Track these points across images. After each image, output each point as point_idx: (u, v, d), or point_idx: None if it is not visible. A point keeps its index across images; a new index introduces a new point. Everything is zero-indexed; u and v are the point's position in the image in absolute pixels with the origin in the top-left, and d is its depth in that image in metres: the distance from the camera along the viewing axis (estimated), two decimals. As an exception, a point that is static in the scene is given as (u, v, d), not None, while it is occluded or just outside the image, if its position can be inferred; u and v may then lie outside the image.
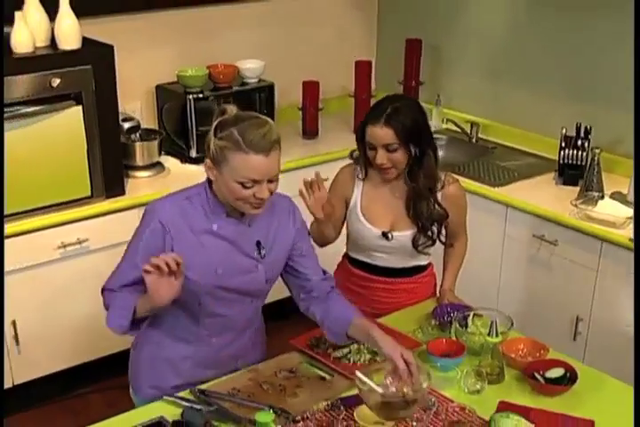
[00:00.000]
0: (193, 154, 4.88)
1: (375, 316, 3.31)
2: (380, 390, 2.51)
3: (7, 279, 4.07)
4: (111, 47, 4.22)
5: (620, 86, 4.49)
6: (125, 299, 2.75)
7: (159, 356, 3.02)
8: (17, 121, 4.02)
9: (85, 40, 4.24)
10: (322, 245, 3.41)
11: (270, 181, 2.67)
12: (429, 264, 3.57)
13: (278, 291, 3.13)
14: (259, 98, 5.03)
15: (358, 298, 3.41)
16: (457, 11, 5.32)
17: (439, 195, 3.36)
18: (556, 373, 2.95)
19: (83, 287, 4.23)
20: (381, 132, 3.15)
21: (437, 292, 3.56)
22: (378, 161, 3.20)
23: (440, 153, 4.81)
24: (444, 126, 5.38)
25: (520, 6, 5.00)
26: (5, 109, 3.96)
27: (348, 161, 3.49)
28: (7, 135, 4.00)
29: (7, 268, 4.08)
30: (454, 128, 5.29)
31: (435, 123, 5.33)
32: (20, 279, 4.21)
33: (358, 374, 2.55)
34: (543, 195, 4.38)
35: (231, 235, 2.83)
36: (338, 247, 3.59)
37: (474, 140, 5.19)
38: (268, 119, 2.73)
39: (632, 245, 3.88)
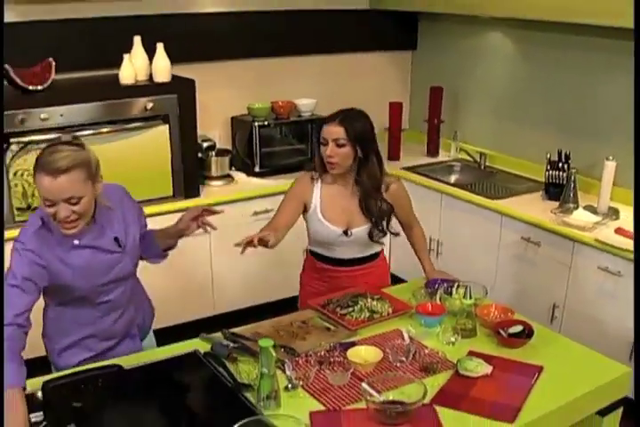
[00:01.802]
0: (257, 169, 4.94)
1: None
2: (380, 398, 2.45)
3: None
4: (193, 81, 4.36)
5: (593, 122, 4.53)
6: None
7: (69, 342, 2.87)
8: (121, 133, 4.20)
9: (174, 76, 4.37)
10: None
11: (71, 203, 2.46)
12: (381, 250, 3.48)
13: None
14: (311, 128, 5.07)
15: (324, 285, 3.40)
16: (471, 65, 5.35)
17: (385, 194, 3.27)
18: (516, 329, 2.92)
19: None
20: (334, 129, 3.08)
21: (424, 274, 3.47)
22: (327, 153, 3.11)
23: (455, 176, 4.94)
24: (460, 156, 5.36)
25: (518, 62, 5.02)
26: (114, 125, 4.15)
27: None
28: (115, 144, 4.18)
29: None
30: (467, 157, 5.27)
31: (452, 153, 5.34)
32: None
33: (364, 384, 2.48)
34: (531, 207, 4.36)
35: (90, 242, 2.68)
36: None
37: (482, 166, 5.17)
38: (78, 147, 2.53)
39: (598, 244, 3.84)
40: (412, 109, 5.76)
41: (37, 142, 3.98)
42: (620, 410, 2.81)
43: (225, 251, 4.36)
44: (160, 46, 4.34)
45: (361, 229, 3.25)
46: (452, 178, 5.10)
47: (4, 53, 3.81)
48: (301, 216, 3.32)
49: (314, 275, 3.45)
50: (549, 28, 4.61)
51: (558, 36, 4.63)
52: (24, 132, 3.97)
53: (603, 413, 2.75)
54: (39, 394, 2.49)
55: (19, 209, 4.05)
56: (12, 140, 3.93)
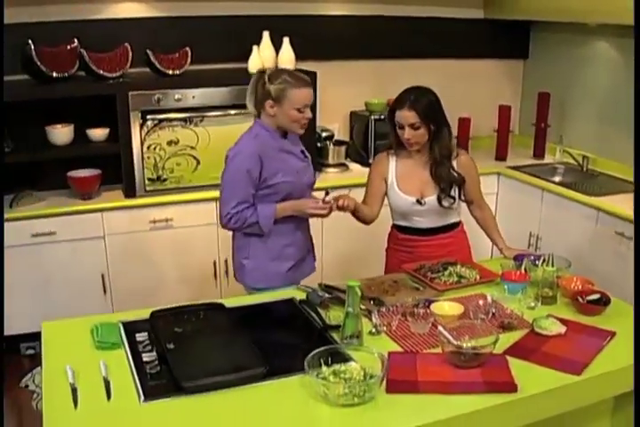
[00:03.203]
0: (370, 160, 4.95)
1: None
2: (454, 341, 2.47)
3: (223, 230, 4.27)
4: (315, 73, 4.43)
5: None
6: (266, 213, 3.07)
7: (271, 252, 3.20)
8: (246, 117, 4.17)
9: (298, 69, 4.48)
10: (368, 223, 3.41)
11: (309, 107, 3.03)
12: (460, 222, 3.51)
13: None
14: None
15: (406, 256, 3.42)
16: (577, 73, 5.29)
17: (454, 163, 3.34)
18: (593, 297, 2.88)
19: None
20: (407, 114, 3.18)
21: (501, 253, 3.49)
22: (405, 136, 3.22)
23: (558, 177, 4.90)
24: (564, 159, 5.28)
25: (620, 69, 4.93)
26: (239, 109, 4.23)
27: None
28: (239, 126, 4.11)
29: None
30: (571, 160, 5.19)
31: (557, 156, 5.28)
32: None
33: (440, 328, 2.50)
34: (627, 204, 4.24)
35: (289, 148, 3.15)
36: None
37: (585, 169, 5.09)
38: None
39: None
40: (522, 114, 5.71)
41: (170, 120, 4.19)
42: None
43: (336, 229, 4.43)
44: (286, 40, 4.50)
45: (433, 198, 3.32)
46: (556, 179, 5.03)
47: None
48: None
49: (396, 247, 3.51)
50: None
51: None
52: (159, 110, 4.18)
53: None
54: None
55: (149, 179, 4.25)
56: (148, 116, 4.15)
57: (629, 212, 4.11)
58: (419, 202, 3.32)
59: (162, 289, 4.32)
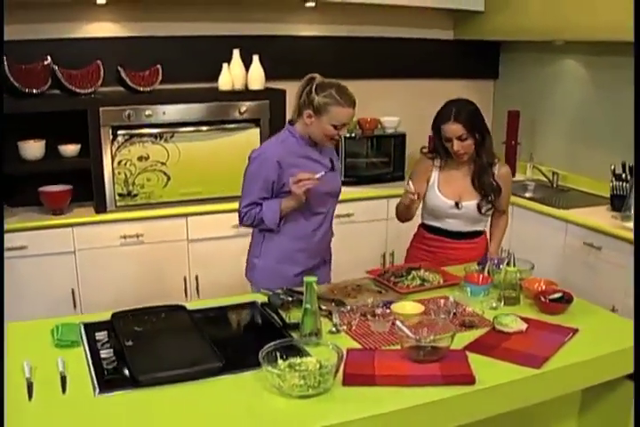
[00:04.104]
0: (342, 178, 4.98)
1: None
2: (412, 335, 2.44)
3: (194, 245, 4.29)
4: (284, 91, 4.50)
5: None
6: (270, 205, 3.06)
7: (282, 255, 3.19)
8: (217, 133, 4.39)
9: (267, 88, 4.54)
10: (405, 221, 3.48)
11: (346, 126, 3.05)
12: (484, 231, 3.56)
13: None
14: (394, 143, 5.13)
15: (430, 256, 3.45)
16: (546, 91, 5.34)
17: (495, 171, 3.41)
18: (556, 295, 2.87)
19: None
20: (453, 127, 3.24)
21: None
22: (455, 149, 3.28)
23: (529, 194, 4.91)
24: (535, 176, 5.30)
25: (588, 85, 5.00)
26: (211, 126, 4.34)
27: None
28: (211, 142, 4.38)
29: (195, 237, 4.30)
30: (541, 177, 5.21)
31: (528, 174, 5.31)
32: (202, 247, 4.38)
33: (398, 322, 2.50)
34: (595, 216, 4.29)
35: (316, 157, 3.14)
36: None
37: (554, 185, 5.12)
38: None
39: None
40: (493, 133, 5.61)
41: (141, 136, 4.19)
42: (655, 379, 2.70)
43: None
44: (256, 58, 4.52)
45: (471, 203, 3.39)
46: (526, 195, 5.05)
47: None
48: None
49: (421, 246, 3.54)
50: (616, 51, 4.63)
51: (621, 58, 4.63)
52: (130, 126, 4.18)
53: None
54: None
55: (120, 195, 4.23)
56: (118, 132, 4.15)
57: (598, 222, 4.13)
58: (457, 205, 3.38)
59: (132, 305, 4.22)
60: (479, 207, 3.39)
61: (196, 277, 4.36)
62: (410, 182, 3.22)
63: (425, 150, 3.51)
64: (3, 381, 2.13)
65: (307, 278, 2.46)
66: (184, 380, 2.23)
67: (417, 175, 3.45)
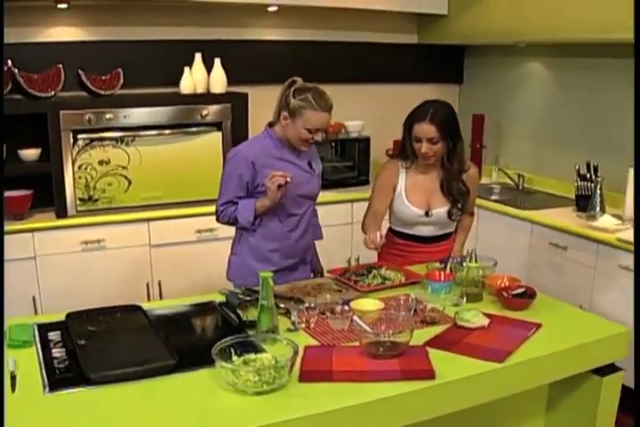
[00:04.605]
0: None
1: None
2: (370, 330, 2.40)
3: (156, 250, 4.20)
4: (246, 94, 4.46)
5: (621, 139, 4.45)
6: (246, 204, 3.05)
7: (255, 253, 3.17)
8: (180, 136, 4.31)
9: (229, 92, 4.49)
10: None
11: (323, 131, 3.06)
12: (453, 231, 3.50)
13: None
14: (358, 146, 5.08)
15: (400, 260, 3.37)
16: (511, 94, 5.34)
17: (464, 176, 3.34)
18: (518, 291, 2.83)
19: (211, 260, 4.22)
20: (426, 128, 3.15)
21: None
22: (423, 151, 3.19)
23: (495, 197, 4.86)
24: (500, 179, 5.28)
25: (552, 87, 5.01)
26: (173, 129, 4.28)
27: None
28: (174, 146, 4.30)
29: (158, 242, 4.21)
30: (507, 180, 5.20)
31: (494, 177, 5.29)
32: (164, 252, 4.30)
33: (355, 317, 2.45)
34: (560, 216, 4.28)
35: (293, 159, 3.12)
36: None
37: (520, 187, 5.10)
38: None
39: (620, 244, 3.72)
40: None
41: (101, 140, 4.12)
42: (622, 374, 2.65)
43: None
44: (217, 61, 4.47)
45: (441, 210, 3.32)
46: (492, 197, 5.02)
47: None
48: None
49: (391, 251, 3.44)
50: (578, 52, 4.65)
51: (583, 59, 4.66)
52: (90, 129, 4.10)
53: (602, 373, 2.61)
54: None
55: (81, 200, 4.15)
56: (79, 136, 4.07)
57: (563, 223, 4.10)
58: (426, 214, 3.31)
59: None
60: (450, 214, 3.33)
61: (159, 283, 4.28)
62: (378, 233, 3.13)
63: (392, 152, 3.44)
64: (2, 381, 2.07)
65: (262, 273, 2.41)
66: (136, 378, 2.16)
67: (383, 185, 3.38)
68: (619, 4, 3.75)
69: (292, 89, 2.98)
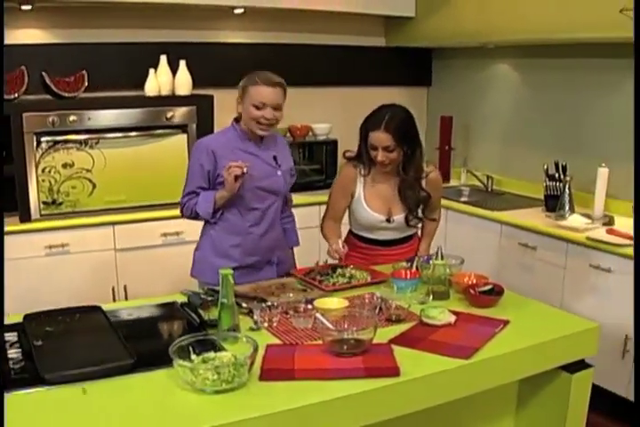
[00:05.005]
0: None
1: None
2: (332, 327, 2.34)
3: (121, 254, 4.14)
4: (212, 96, 4.39)
5: (591, 139, 4.47)
6: (206, 195, 3.01)
7: (216, 248, 3.11)
8: (145, 139, 4.24)
9: (194, 94, 4.44)
10: None
11: (275, 109, 2.95)
12: (415, 233, 3.44)
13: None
14: (325, 149, 5.03)
15: (363, 263, 3.30)
16: (480, 96, 5.33)
17: (423, 181, 3.26)
18: (485, 288, 2.78)
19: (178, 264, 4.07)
20: (381, 136, 3.08)
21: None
22: (379, 159, 3.12)
23: (464, 199, 4.82)
24: (469, 182, 5.26)
25: (521, 88, 5.00)
26: (138, 131, 4.21)
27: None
28: (139, 148, 4.23)
29: (123, 246, 4.15)
30: (476, 182, 5.17)
31: (462, 180, 5.26)
32: (130, 256, 4.22)
33: (317, 315, 2.40)
34: (529, 216, 4.26)
35: (256, 151, 3.06)
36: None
37: (489, 189, 5.08)
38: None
39: (589, 242, 3.70)
40: (427, 140, 5.62)
41: (65, 142, 4.04)
42: (591, 370, 2.61)
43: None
44: (183, 63, 4.41)
45: (401, 216, 3.26)
46: (461, 200, 4.99)
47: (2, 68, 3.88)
48: None
49: (355, 254, 3.35)
50: (546, 53, 4.64)
51: (551, 60, 4.66)
52: (54, 132, 4.01)
53: (571, 370, 2.56)
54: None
55: (45, 203, 4.06)
56: (42, 139, 3.98)
57: (532, 222, 4.07)
58: (388, 220, 3.25)
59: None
60: (407, 221, 3.27)
61: (125, 288, 4.19)
62: (340, 242, 3.12)
63: (349, 154, 3.33)
64: (2, 381, 2.01)
65: (222, 271, 2.35)
66: (94, 378, 2.09)
67: (340, 191, 3.33)
68: (584, 5, 3.75)
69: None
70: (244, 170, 2.88)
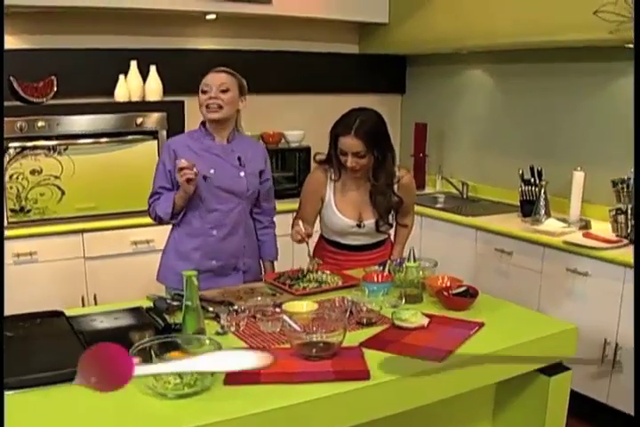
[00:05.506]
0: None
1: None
2: (300, 329, 2.26)
3: (91, 263, 4.04)
4: (182, 102, 4.31)
5: (565, 143, 4.43)
6: (167, 196, 2.98)
7: (178, 251, 3.09)
8: (115, 145, 4.15)
9: (165, 100, 4.38)
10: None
11: (222, 92, 2.95)
12: (388, 237, 3.37)
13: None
14: (298, 156, 4.96)
15: (334, 268, 3.19)
16: (454, 103, 5.28)
17: (395, 186, 3.20)
18: (459, 290, 2.71)
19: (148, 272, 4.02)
20: (351, 142, 2.99)
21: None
22: (349, 165, 3.05)
23: (439, 205, 4.75)
24: (444, 189, 5.21)
25: (495, 94, 4.96)
26: (107, 138, 4.14)
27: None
28: (109, 154, 4.15)
29: (92, 254, 4.05)
30: (451, 189, 5.11)
31: (437, 187, 5.21)
32: (99, 265, 4.12)
33: (284, 317, 2.32)
34: (505, 222, 4.20)
35: (220, 152, 3.03)
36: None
37: (465, 196, 5.02)
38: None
39: (565, 246, 3.64)
40: (401, 147, 5.60)
41: (33, 148, 3.95)
42: (570, 373, 2.53)
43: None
44: (153, 68, 4.34)
45: (372, 222, 3.19)
46: (436, 206, 4.93)
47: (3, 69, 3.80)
48: None
49: (326, 260, 3.27)
50: (519, 58, 4.61)
51: (523, 65, 4.63)
52: (22, 137, 3.92)
53: (549, 373, 2.48)
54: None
55: (12, 211, 3.96)
56: (10, 144, 3.89)
57: (508, 228, 4.02)
58: (358, 226, 3.18)
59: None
60: (377, 227, 3.20)
61: (95, 297, 4.08)
62: (301, 223, 3.03)
63: (319, 157, 3.25)
64: (2, 381, 1.91)
65: (185, 272, 2.25)
66: (53, 382, 2.00)
67: (310, 195, 3.26)
68: (558, 8, 3.72)
69: None
70: (194, 170, 2.83)
